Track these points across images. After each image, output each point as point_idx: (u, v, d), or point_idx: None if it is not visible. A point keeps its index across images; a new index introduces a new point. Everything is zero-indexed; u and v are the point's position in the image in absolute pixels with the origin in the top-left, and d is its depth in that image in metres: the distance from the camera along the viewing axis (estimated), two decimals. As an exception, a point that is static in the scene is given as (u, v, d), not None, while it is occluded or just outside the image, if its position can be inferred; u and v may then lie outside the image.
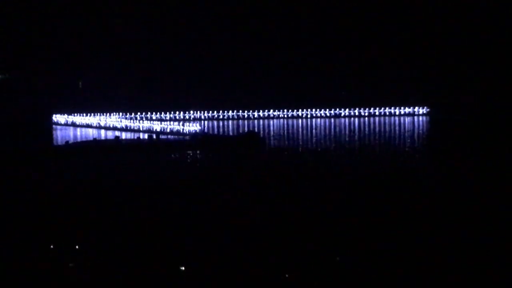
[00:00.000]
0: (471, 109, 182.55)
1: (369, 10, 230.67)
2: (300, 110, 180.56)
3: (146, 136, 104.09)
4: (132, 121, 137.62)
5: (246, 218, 41.00)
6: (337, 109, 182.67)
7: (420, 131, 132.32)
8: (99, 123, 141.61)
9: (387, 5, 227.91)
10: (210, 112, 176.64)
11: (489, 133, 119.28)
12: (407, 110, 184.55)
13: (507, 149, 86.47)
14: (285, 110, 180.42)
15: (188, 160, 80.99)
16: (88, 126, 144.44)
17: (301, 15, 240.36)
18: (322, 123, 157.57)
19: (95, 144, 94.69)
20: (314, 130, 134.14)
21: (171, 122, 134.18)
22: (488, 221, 39.33)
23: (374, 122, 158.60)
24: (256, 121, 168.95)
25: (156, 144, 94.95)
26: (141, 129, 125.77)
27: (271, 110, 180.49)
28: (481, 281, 27.92)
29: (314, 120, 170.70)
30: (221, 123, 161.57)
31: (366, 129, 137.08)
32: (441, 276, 28.47)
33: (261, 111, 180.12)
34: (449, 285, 27.55)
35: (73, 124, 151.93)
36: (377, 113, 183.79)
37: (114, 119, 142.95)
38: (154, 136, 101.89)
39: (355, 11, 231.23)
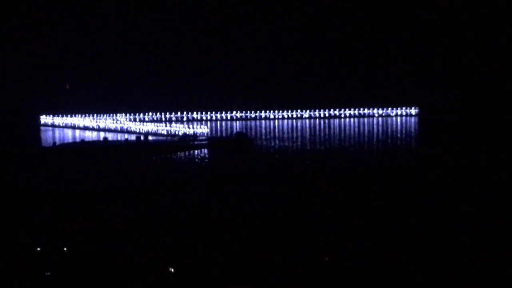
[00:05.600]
0: (460, 109, 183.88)
1: (360, 12, 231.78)
2: (289, 111, 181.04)
3: (134, 137, 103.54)
4: (120, 122, 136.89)
5: (234, 219, 40.79)
6: (326, 110, 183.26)
7: (410, 132, 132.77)
8: (87, 125, 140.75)
9: (377, 8, 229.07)
10: (200, 113, 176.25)
11: (478, 133, 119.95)
12: (398, 111, 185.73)
13: (496, 148, 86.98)
14: (274, 111, 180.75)
15: (176, 161, 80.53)
16: (76, 127, 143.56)
17: (293, 18, 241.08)
18: (311, 124, 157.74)
19: (83, 145, 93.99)
20: (303, 131, 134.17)
21: (160, 124, 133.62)
22: (480, 221, 39.43)
23: (363, 123, 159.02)
24: (245, 122, 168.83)
25: (144, 146, 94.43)
26: (129, 130, 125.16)
27: (262, 111, 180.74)
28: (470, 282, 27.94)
29: (303, 121, 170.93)
30: (212, 124, 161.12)
31: (355, 130, 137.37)
32: (434, 276, 28.43)
33: (252, 112, 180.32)
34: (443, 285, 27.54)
35: (61, 126, 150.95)
36: (366, 114, 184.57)
37: (102, 121, 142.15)
38: (143, 138, 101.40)
39: (346, 14, 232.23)
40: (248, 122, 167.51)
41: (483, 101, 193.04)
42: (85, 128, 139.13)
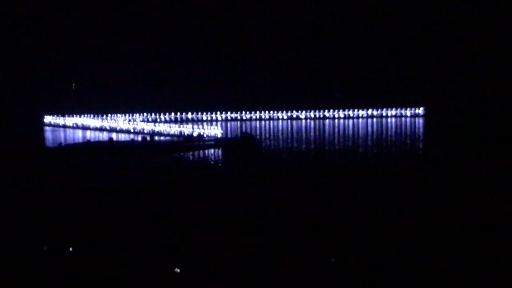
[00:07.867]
0: (466, 110, 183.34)
1: (364, 11, 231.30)
2: (293, 111, 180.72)
3: (140, 137, 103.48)
4: (126, 122, 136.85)
5: (239, 220, 40.58)
6: (330, 111, 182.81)
7: (416, 133, 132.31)
8: (92, 125, 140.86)
9: (381, 6, 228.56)
10: (206, 113, 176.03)
11: (485, 134, 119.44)
12: (403, 112, 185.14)
13: (503, 149, 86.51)
14: (279, 112, 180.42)
15: (182, 162, 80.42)
16: (81, 127, 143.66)
17: (294, 17, 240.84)
18: (314, 125, 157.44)
19: (89, 146, 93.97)
20: (308, 132, 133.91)
21: (166, 124, 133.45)
22: (485, 223, 39.07)
23: (368, 124, 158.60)
24: (251, 122, 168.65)
25: (150, 146, 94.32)
26: (135, 130, 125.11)
27: (265, 112, 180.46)
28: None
29: (308, 121, 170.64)
30: (217, 125, 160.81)
31: (361, 130, 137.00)
32: (437, 276, 28.15)
33: (256, 112, 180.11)
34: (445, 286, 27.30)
35: (66, 126, 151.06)
36: (371, 115, 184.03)
37: (107, 121, 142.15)
38: (148, 138, 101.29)
39: (349, 12, 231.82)
40: (249, 123, 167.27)
41: (490, 102, 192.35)
42: (91, 128, 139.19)
